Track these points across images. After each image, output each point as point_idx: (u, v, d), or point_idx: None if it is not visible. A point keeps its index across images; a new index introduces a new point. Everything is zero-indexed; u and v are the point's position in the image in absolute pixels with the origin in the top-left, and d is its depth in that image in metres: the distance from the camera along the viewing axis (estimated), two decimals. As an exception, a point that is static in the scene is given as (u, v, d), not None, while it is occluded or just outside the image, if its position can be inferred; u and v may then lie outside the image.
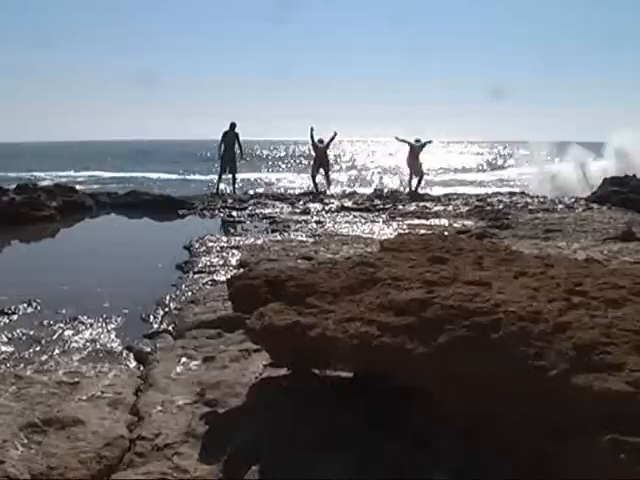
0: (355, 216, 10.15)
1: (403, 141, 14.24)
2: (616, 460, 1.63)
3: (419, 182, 14.25)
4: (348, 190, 16.64)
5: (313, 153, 14.45)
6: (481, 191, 15.98)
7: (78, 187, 13.26)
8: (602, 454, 1.67)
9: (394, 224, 9.10)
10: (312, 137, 14.08)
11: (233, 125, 13.63)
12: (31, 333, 4.05)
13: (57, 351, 3.71)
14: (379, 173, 29.21)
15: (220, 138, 13.68)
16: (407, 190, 14.13)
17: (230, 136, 13.60)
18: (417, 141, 14.00)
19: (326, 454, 2.14)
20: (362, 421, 2.29)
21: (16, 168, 30.08)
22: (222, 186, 14.34)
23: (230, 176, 14.05)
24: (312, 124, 13.98)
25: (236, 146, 13.73)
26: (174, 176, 24.75)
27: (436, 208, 11.25)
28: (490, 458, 1.95)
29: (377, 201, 12.34)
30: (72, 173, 31.63)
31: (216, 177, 14.87)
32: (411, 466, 2.05)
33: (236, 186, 14.38)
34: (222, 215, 10.74)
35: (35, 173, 28.44)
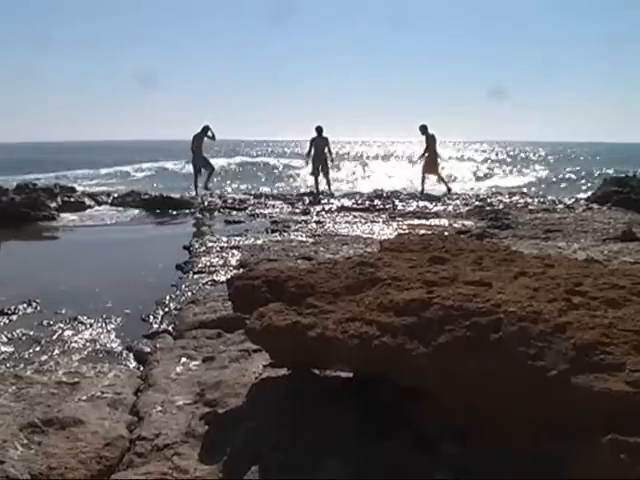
0: (355, 216, 10.15)
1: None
2: (616, 460, 1.63)
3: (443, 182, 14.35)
4: (348, 190, 16.67)
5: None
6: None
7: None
8: (602, 454, 1.67)
9: (394, 224, 9.10)
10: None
11: (320, 129, 13.97)
12: (31, 333, 4.05)
13: (57, 351, 3.71)
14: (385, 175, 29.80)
15: (309, 143, 14.23)
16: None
17: (319, 140, 14.08)
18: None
19: (326, 454, 2.13)
20: (362, 421, 2.29)
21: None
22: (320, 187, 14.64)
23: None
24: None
25: (326, 149, 14.17)
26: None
27: (436, 208, 11.25)
28: (490, 458, 1.95)
29: (377, 201, 12.35)
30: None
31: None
32: (411, 466, 2.05)
33: (331, 184, 14.83)
34: (222, 215, 10.75)
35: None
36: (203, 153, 14.51)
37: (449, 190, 14.20)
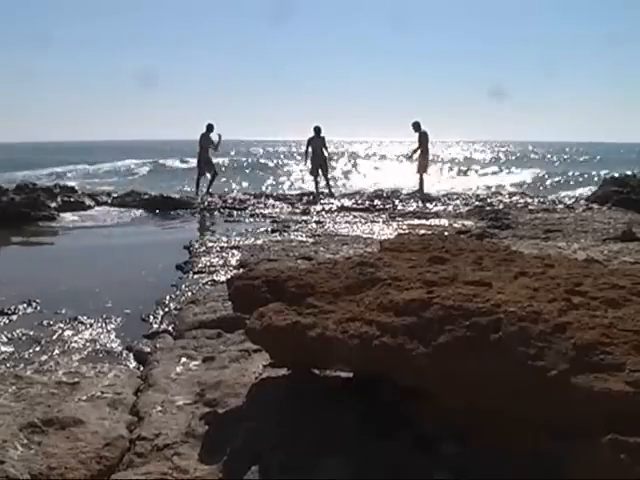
0: (355, 216, 10.15)
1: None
2: (616, 460, 1.63)
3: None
4: (348, 190, 16.68)
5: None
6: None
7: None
8: (602, 454, 1.67)
9: (394, 224, 9.11)
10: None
11: (318, 129, 13.94)
12: (31, 333, 4.05)
13: (57, 351, 3.71)
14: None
15: (306, 143, 14.17)
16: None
17: (317, 140, 14.06)
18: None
19: (326, 454, 2.13)
20: (362, 421, 2.29)
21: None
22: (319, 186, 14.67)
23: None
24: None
25: (324, 149, 14.17)
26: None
27: (436, 208, 11.26)
28: (490, 458, 1.95)
29: (377, 201, 12.35)
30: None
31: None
32: (411, 466, 2.05)
33: (330, 184, 14.91)
34: (222, 215, 10.75)
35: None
36: (209, 155, 14.27)
37: (419, 191, 13.75)
